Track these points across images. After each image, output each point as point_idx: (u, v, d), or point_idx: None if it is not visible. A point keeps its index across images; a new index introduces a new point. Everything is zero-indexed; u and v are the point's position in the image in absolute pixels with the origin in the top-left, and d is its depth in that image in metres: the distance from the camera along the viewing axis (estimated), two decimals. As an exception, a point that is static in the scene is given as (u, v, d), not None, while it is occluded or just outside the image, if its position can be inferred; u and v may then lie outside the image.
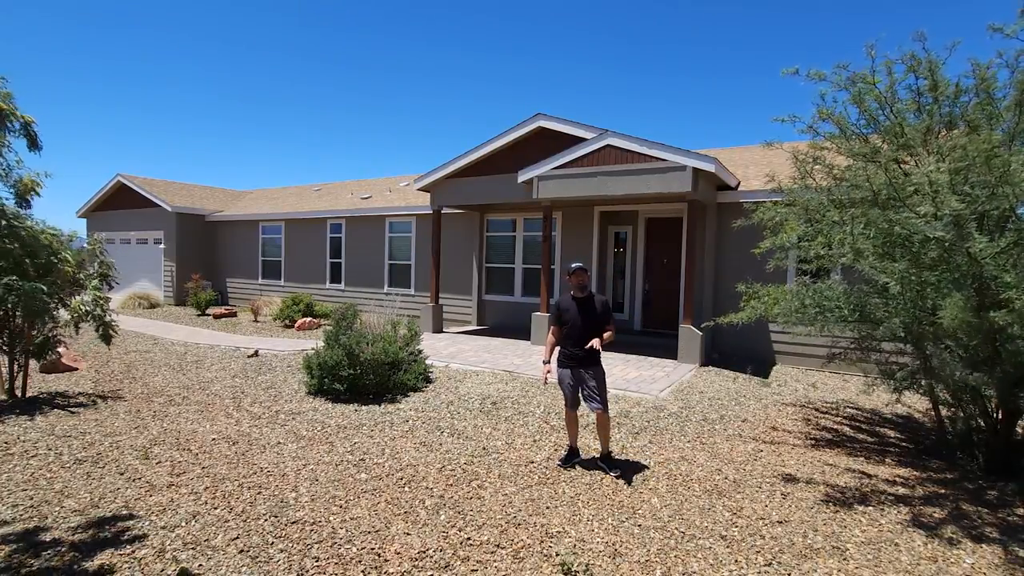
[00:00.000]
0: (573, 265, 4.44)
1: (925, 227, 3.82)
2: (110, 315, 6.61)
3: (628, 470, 4.43)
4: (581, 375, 4.41)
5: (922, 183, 3.89)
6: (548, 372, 4.53)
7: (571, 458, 4.56)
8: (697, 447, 5.02)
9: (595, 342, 4.25)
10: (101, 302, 6.50)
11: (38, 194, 6.15)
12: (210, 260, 18.00)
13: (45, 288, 5.72)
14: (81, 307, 6.41)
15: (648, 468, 4.50)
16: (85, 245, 6.96)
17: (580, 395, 4.49)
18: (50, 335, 6.55)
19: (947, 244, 3.80)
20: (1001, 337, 3.96)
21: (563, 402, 4.64)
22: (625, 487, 4.13)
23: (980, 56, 4.82)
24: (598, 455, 4.59)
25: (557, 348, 4.56)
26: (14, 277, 5.55)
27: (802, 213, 5.21)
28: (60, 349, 7.48)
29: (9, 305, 5.90)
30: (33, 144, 5.88)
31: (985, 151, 3.79)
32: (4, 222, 5.63)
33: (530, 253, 11.81)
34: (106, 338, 6.52)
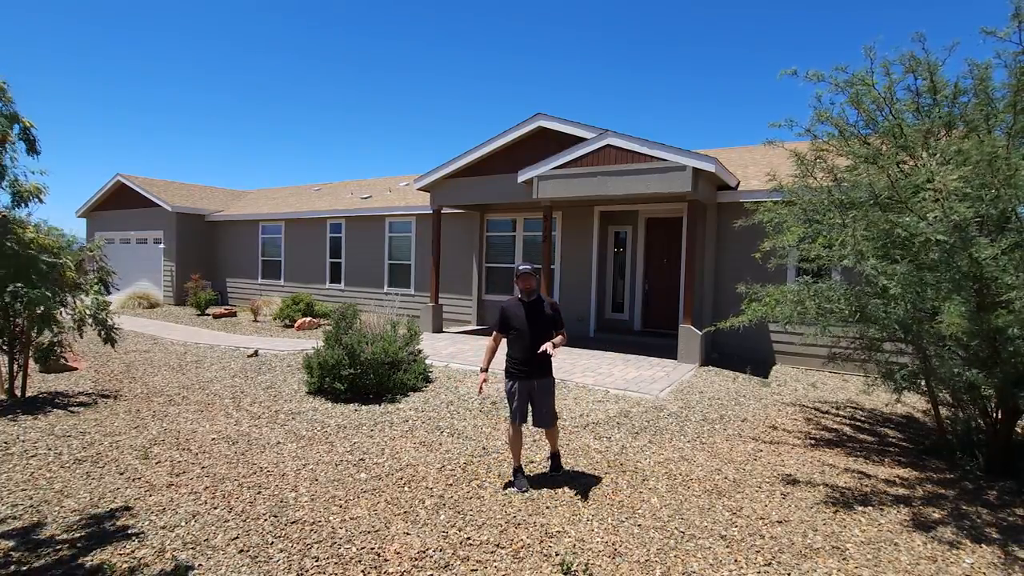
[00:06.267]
0: (523, 267, 4.07)
1: (927, 229, 3.82)
2: (112, 318, 6.68)
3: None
4: (532, 387, 4.10)
5: (931, 188, 3.88)
6: (484, 381, 4.18)
7: (520, 478, 4.13)
8: (697, 447, 5.02)
9: (547, 346, 3.93)
10: (103, 305, 6.57)
11: (42, 200, 6.18)
12: (210, 260, 18.00)
13: (51, 295, 5.82)
14: (84, 311, 6.49)
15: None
16: (85, 246, 7.00)
17: (530, 411, 4.16)
18: (54, 340, 6.66)
19: (949, 247, 3.79)
20: (1001, 337, 3.96)
21: (509, 414, 4.15)
22: (625, 487, 4.13)
23: (978, 56, 4.82)
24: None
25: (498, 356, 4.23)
26: (19, 284, 5.60)
27: (801, 214, 5.20)
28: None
29: (13, 311, 6.01)
30: (32, 148, 5.89)
31: (989, 154, 3.79)
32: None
33: (530, 253, 11.81)
34: (110, 340, 6.60)
